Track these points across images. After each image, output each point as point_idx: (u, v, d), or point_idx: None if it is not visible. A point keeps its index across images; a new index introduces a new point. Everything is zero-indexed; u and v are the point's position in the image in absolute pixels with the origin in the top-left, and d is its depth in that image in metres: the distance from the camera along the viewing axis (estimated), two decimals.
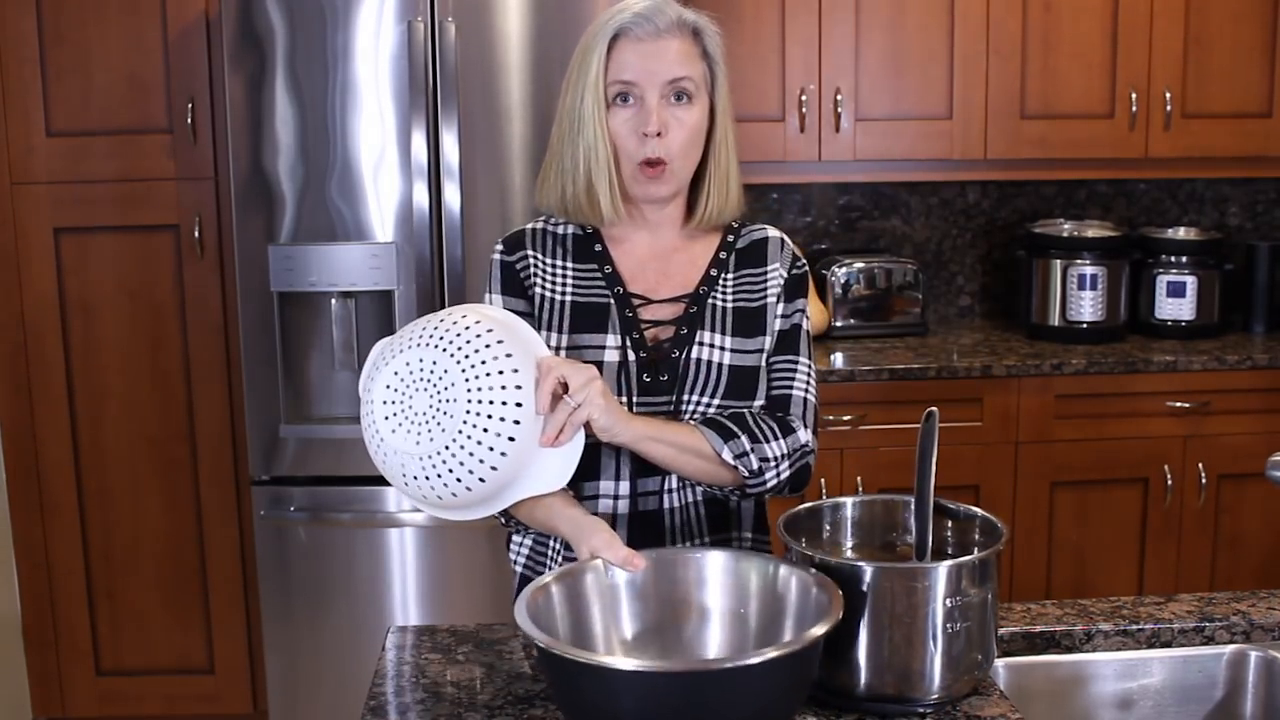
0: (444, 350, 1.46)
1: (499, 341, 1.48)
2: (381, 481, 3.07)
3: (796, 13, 3.43)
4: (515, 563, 1.83)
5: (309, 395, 3.10)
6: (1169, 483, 3.37)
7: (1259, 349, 3.47)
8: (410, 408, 1.46)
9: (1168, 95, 3.50)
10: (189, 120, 3.18)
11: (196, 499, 3.35)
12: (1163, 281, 3.60)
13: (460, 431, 1.45)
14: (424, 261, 2.97)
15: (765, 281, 1.76)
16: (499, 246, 1.77)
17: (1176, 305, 3.60)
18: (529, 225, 1.78)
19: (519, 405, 1.47)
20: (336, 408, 3.11)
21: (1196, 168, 3.67)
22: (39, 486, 3.33)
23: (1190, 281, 3.58)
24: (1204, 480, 3.38)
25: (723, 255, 1.77)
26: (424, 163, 2.93)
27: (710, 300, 1.73)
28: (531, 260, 1.74)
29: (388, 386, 1.47)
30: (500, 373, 1.46)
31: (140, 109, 3.19)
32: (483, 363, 1.46)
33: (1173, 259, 3.62)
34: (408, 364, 1.47)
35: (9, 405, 3.30)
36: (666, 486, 1.71)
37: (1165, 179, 3.86)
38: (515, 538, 1.83)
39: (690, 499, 1.73)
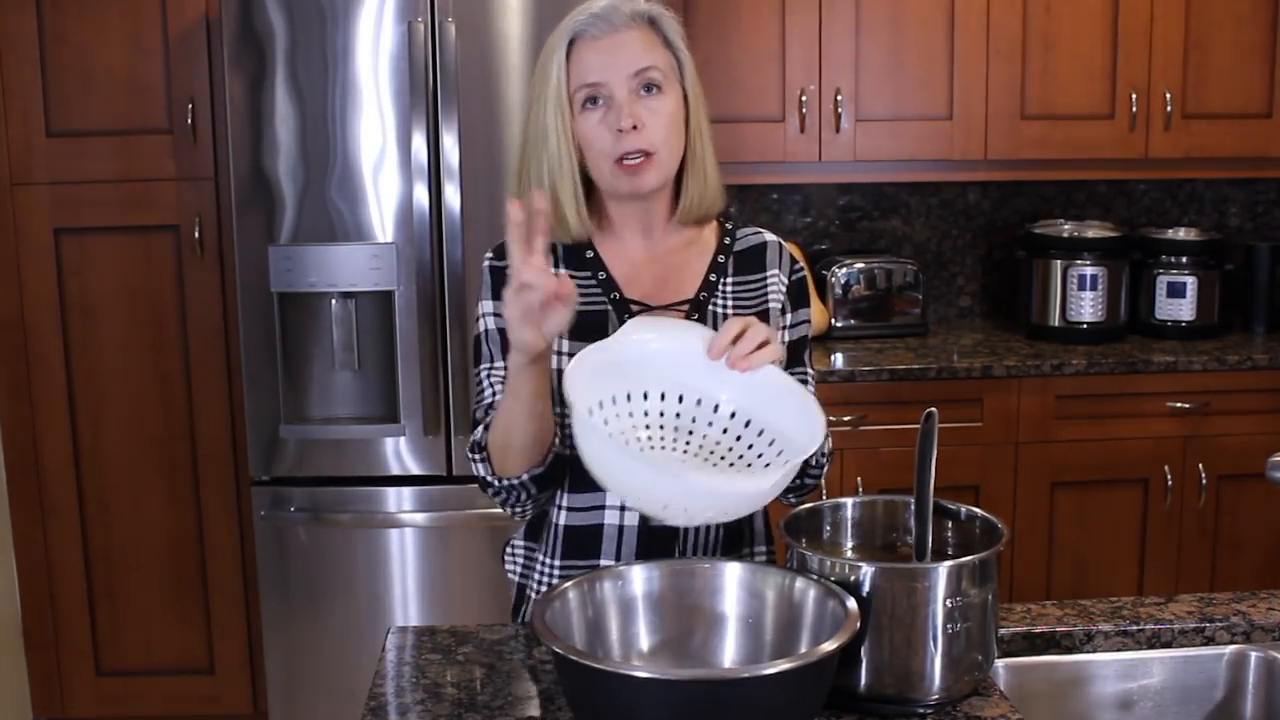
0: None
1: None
2: (381, 481, 3.07)
3: (796, 13, 3.43)
4: (512, 571, 1.82)
5: (309, 395, 3.10)
6: (1169, 483, 3.37)
7: (1259, 349, 3.47)
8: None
9: (1168, 96, 3.50)
10: (189, 121, 3.18)
11: (197, 499, 3.35)
12: (1163, 282, 3.60)
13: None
14: (424, 262, 2.97)
15: (765, 287, 1.75)
16: (489, 254, 1.72)
17: (1176, 306, 3.59)
18: None
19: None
20: (336, 408, 3.11)
21: (1196, 168, 3.67)
22: (39, 486, 3.33)
23: (1190, 282, 3.58)
24: (1204, 481, 3.38)
25: (720, 259, 1.75)
26: (424, 163, 2.93)
27: (710, 306, 1.71)
28: None
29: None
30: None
31: (140, 109, 3.19)
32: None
33: (1173, 259, 3.62)
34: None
35: (9, 405, 3.30)
36: None
37: (1165, 179, 3.86)
38: (510, 545, 1.82)
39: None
